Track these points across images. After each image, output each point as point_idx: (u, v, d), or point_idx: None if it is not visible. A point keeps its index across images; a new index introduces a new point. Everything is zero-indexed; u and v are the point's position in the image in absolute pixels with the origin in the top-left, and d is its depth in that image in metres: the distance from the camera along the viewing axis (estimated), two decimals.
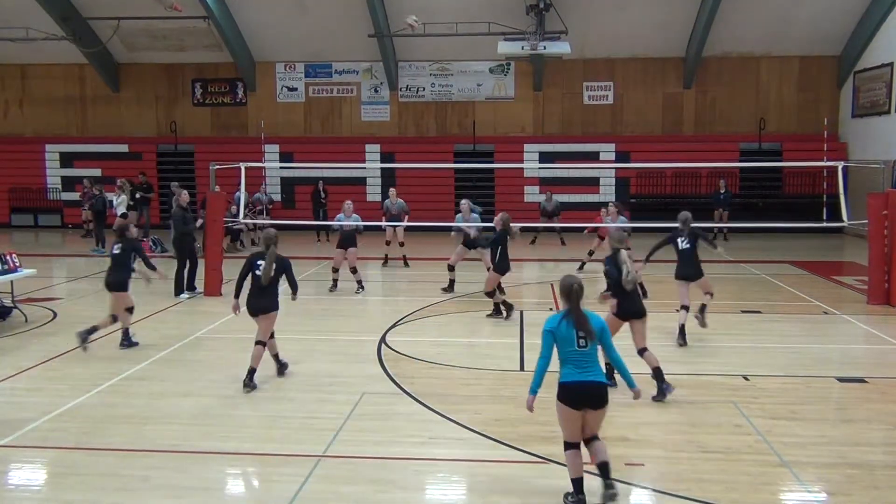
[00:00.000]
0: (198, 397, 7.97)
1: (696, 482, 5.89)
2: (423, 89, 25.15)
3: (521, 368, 9.03)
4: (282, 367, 8.78)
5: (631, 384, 5.73)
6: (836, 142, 23.44)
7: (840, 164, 14.42)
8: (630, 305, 7.89)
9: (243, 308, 8.39)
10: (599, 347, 5.57)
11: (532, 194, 23.93)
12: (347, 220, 13.99)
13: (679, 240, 9.86)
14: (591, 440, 5.54)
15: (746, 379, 8.46)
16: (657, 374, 7.77)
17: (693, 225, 9.97)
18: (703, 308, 10.01)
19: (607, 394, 5.48)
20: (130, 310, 9.98)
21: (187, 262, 13.51)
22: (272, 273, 8.16)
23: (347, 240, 13.94)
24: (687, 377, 8.56)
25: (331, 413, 7.41)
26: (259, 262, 8.29)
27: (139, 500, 5.67)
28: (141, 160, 25.11)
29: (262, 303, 8.25)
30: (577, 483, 5.48)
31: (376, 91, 25.28)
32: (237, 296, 8.52)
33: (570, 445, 5.51)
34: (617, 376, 6.63)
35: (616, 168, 23.43)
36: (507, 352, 9.65)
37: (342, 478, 6.01)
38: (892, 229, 12.31)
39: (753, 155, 23.50)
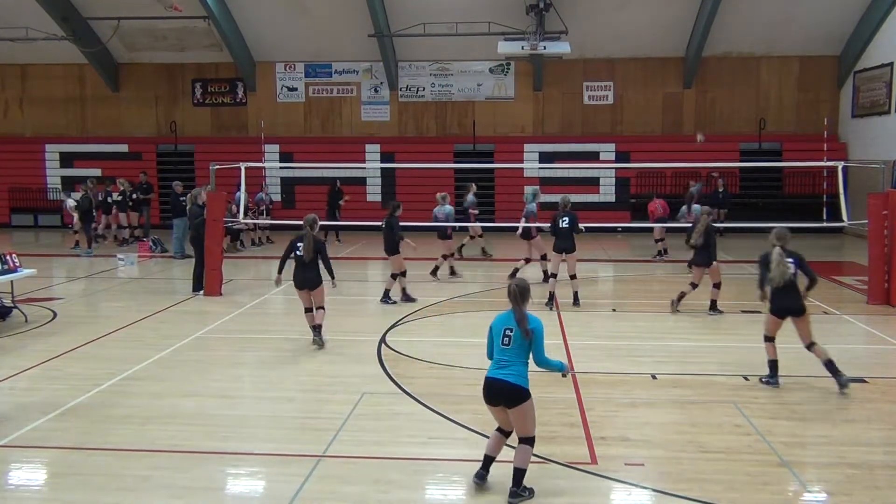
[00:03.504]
0: (198, 397, 7.96)
1: (696, 482, 5.88)
2: (423, 89, 25.14)
3: None
4: (318, 334, 9.79)
5: (560, 369, 5.84)
6: (836, 142, 23.43)
7: (840, 164, 14.42)
8: (783, 302, 8.05)
9: (287, 284, 10.25)
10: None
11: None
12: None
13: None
14: (519, 441, 5.65)
15: (746, 379, 8.46)
16: (830, 366, 7.96)
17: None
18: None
19: (521, 395, 5.49)
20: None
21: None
22: (312, 253, 9.65)
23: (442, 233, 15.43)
24: (687, 377, 8.56)
25: (331, 413, 7.40)
26: (299, 244, 9.76)
27: (139, 500, 5.66)
28: (141, 160, 25.10)
29: (307, 277, 9.74)
30: (486, 460, 5.78)
31: (376, 91, 25.28)
32: (279, 272, 10.09)
33: (498, 427, 5.81)
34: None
35: (616, 168, 23.42)
36: None
37: (342, 478, 6.00)
38: (892, 229, 12.31)
39: (753, 155, 23.48)
